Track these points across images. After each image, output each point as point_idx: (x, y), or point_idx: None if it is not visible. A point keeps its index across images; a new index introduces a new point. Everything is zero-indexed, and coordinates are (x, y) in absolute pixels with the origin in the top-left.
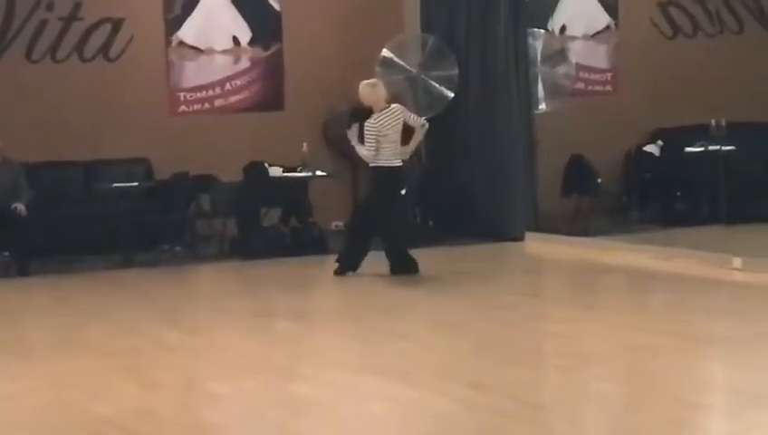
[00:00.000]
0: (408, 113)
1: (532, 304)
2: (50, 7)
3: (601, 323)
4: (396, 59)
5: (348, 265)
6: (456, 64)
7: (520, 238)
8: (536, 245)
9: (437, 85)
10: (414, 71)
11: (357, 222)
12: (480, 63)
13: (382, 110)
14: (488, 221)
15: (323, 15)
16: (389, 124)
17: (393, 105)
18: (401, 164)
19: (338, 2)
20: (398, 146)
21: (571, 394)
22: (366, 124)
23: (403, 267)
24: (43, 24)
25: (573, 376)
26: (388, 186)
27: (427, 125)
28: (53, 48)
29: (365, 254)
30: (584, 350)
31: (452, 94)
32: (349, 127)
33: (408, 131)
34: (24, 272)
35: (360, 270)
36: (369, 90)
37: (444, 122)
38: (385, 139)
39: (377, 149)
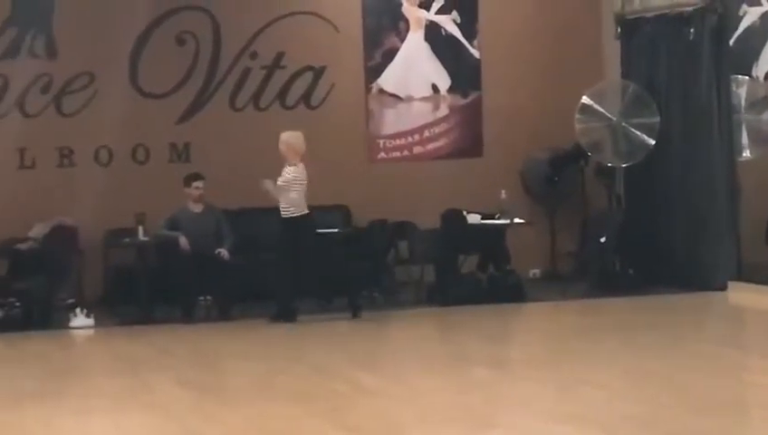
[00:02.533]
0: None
1: (734, 354)
2: (253, 56)
3: None
4: (596, 106)
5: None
6: (657, 112)
7: (722, 288)
8: (740, 295)
9: (638, 133)
10: (614, 118)
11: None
12: (681, 110)
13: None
14: (689, 270)
15: (523, 63)
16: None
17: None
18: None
19: (537, 49)
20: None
21: None
22: (293, 174)
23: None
24: (247, 72)
25: None
26: (298, 233)
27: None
28: (256, 96)
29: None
30: None
31: (653, 142)
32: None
33: None
34: (225, 316)
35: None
36: (297, 140)
37: (644, 170)
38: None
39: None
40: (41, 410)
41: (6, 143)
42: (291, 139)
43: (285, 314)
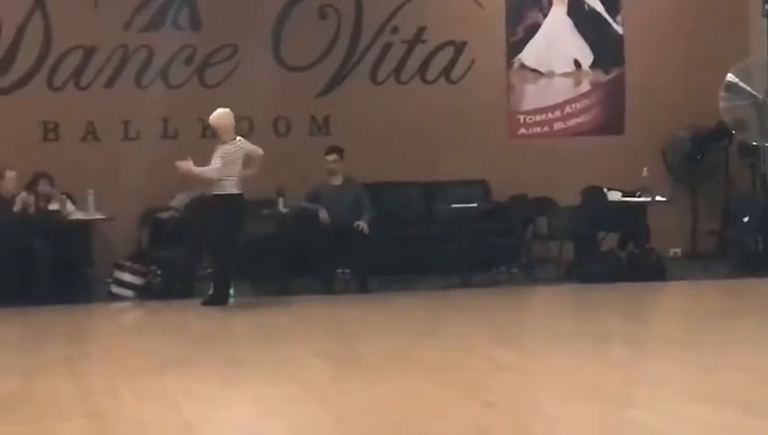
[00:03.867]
0: (250, 145)
1: None
2: (395, 30)
3: None
4: (741, 84)
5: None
6: None
7: None
8: None
9: None
10: (760, 96)
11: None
12: None
13: (232, 140)
14: None
15: (666, 39)
16: (239, 155)
17: (239, 138)
18: (241, 193)
19: (681, 25)
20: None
21: None
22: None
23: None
24: (388, 46)
25: None
26: (230, 213)
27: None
28: (397, 70)
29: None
30: None
31: None
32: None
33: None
34: (363, 289)
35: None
36: (224, 116)
37: None
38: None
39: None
40: (182, 378)
41: (150, 113)
42: (223, 117)
43: (220, 297)
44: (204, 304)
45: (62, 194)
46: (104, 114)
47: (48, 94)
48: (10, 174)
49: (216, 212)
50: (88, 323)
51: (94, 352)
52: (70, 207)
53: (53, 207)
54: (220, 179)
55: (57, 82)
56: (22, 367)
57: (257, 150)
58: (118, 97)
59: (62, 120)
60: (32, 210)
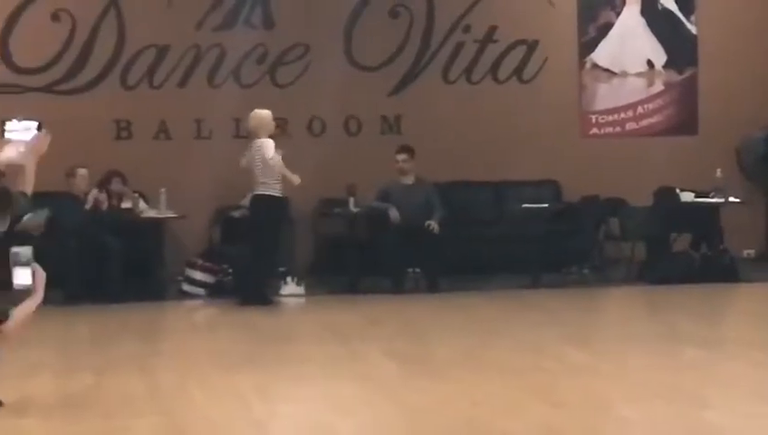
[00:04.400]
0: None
1: None
2: (466, 30)
3: None
4: None
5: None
6: None
7: None
8: None
9: None
10: None
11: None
12: None
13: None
14: None
15: (741, 39)
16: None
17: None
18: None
19: (756, 25)
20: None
21: None
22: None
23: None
24: (460, 45)
25: None
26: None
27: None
28: (469, 70)
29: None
30: None
31: None
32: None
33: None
34: (433, 288)
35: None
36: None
37: None
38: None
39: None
40: (252, 376)
41: (222, 112)
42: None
43: (258, 297)
44: (243, 303)
45: (135, 192)
46: (177, 113)
47: (121, 93)
48: (81, 172)
49: (266, 212)
50: (159, 321)
51: (166, 350)
52: (142, 205)
53: (126, 205)
54: (265, 181)
55: (130, 80)
56: (94, 364)
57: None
58: (190, 96)
59: (134, 118)
60: (104, 208)
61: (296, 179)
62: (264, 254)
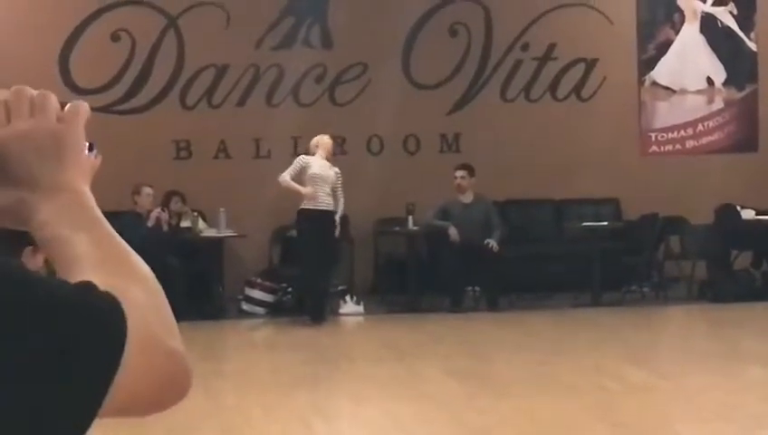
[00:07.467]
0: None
1: None
2: (525, 48)
3: None
4: None
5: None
6: None
7: None
8: None
9: None
10: None
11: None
12: None
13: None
14: None
15: None
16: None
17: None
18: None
19: None
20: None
21: None
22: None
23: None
24: (518, 63)
25: None
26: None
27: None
28: (527, 88)
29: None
30: None
31: None
32: None
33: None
34: (493, 306)
35: None
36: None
37: None
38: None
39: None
40: (312, 395)
41: (281, 132)
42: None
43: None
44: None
45: (194, 211)
46: (236, 132)
47: (181, 113)
48: (147, 190)
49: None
50: (219, 340)
51: (225, 369)
52: (201, 224)
53: (185, 224)
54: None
55: (190, 100)
56: None
57: None
58: (249, 115)
59: (194, 138)
60: (166, 227)
61: (303, 190)
62: (304, 268)
